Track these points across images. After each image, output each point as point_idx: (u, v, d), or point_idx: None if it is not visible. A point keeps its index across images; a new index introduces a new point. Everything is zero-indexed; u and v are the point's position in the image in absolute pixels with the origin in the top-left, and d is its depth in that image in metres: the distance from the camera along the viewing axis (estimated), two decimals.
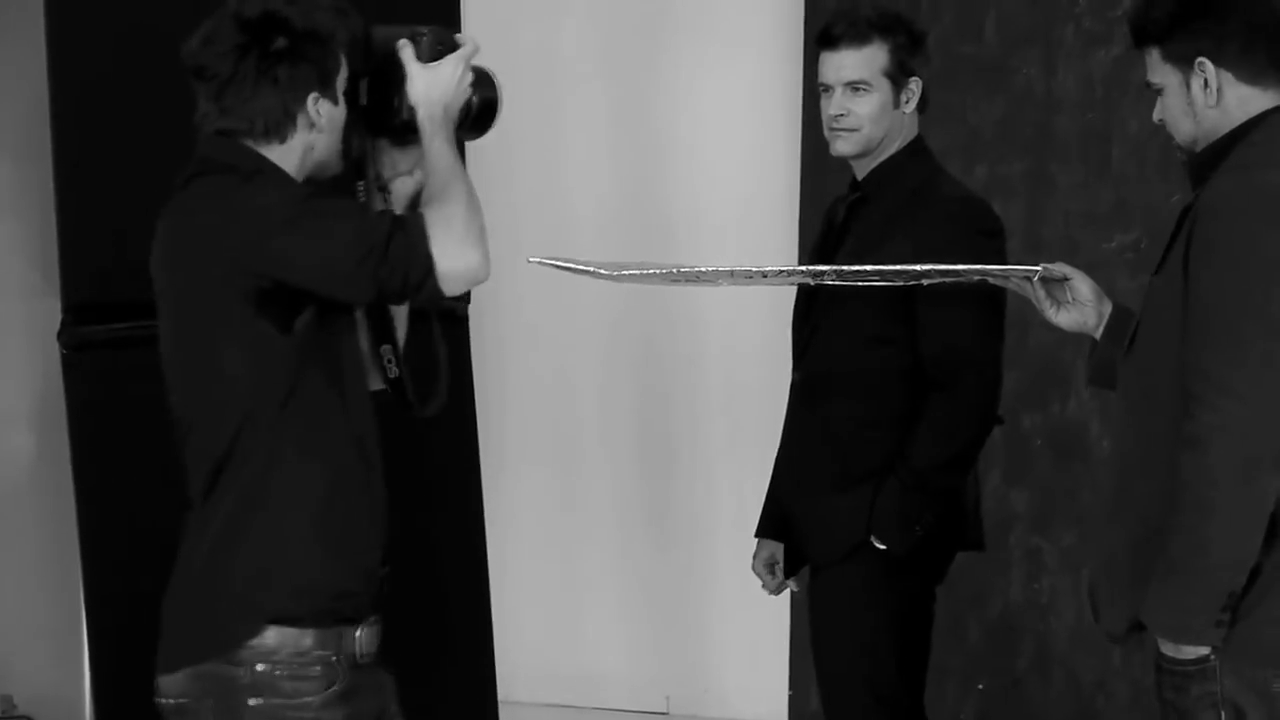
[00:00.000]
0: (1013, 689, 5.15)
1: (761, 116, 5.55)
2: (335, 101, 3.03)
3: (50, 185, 4.08)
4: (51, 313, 4.13)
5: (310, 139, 3.02)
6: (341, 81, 3.03)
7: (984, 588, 5.08)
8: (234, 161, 2.98)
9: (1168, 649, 2.97)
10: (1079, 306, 3.33)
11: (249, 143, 3.00)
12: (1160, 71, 3.09)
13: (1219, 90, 3.03)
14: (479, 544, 4.83)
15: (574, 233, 5.52)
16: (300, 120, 3.00)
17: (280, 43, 2.96)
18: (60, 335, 4.10)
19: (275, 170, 3.00)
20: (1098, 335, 3.32)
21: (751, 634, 5.50)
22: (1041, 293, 3.34)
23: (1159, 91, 3.11)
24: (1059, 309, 3.33)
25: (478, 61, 3.11)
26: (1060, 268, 3.34)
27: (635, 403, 5.68)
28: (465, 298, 4.76)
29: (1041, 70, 4.98)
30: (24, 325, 4.40)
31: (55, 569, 4.38)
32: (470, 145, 4.77)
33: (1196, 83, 3.04)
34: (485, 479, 4.89)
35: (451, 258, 2.90)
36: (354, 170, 3.13)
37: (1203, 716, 2.95)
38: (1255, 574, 2.90)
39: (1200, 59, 3.03)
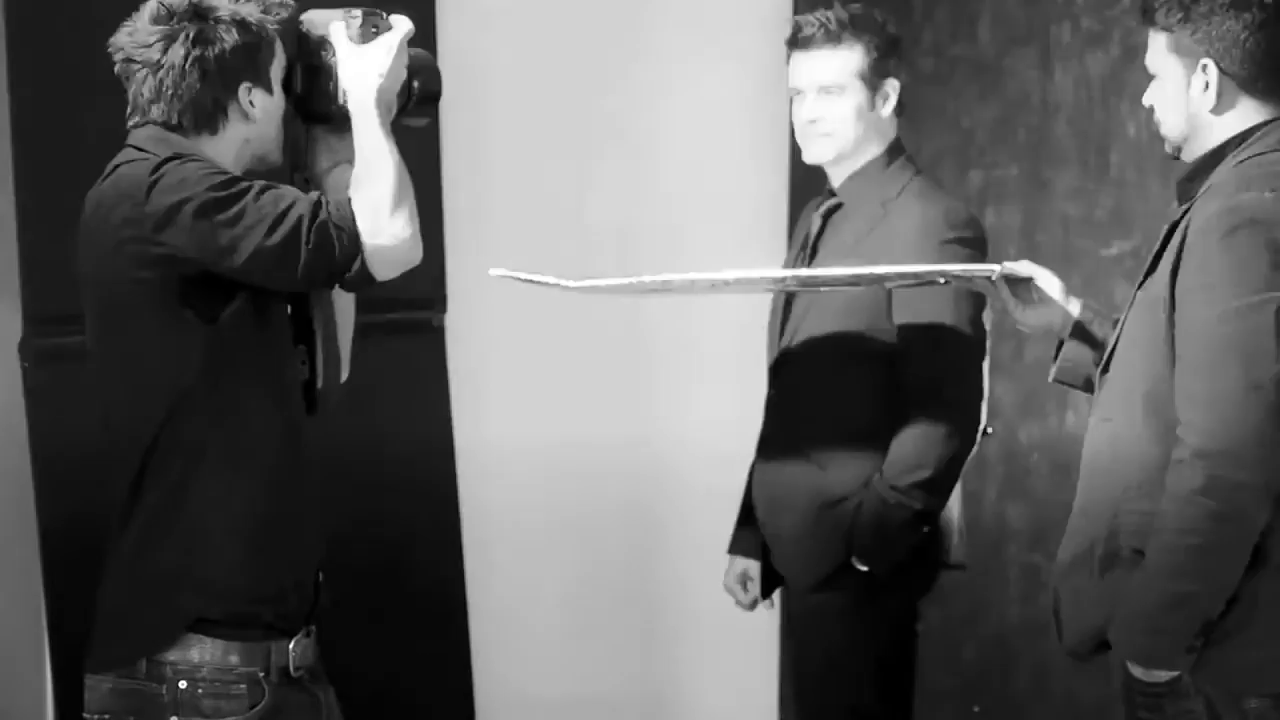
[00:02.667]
0: (1010, 711, 5.08)
1: (751, 123, 5.50)
2: (270, 91, 2.96)
3: (10, 192, 4.05)
4: (11, 324, 4.09)
5: (245, 130, 2.95)
6: (278, 70, 2.96)
7: (979, 606, 5.02)
8: (155, 150, 2.90)
9: (1137, 671, 2.95)
10: (1045, 305, 3.26)
11: (179, 135, 2.92)
12: (1162, 59, 3.03)
13: (1218, 95, 2.98)
14: (456, 567, 4.79)
15: (556, 242, 5.46)
16: (232, 111, 2.93)
17: (209, 31, 2.89)
18: (21, 347, 4.07)
19: (196, 155, 2.91)
20: (1065, 335, 3.27)
21: (738, 657, 5.44)
22: (1006, 293, 3.28)
23: (1155, 76, 3.06)
24: (1025, 309, 3.28)
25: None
26: (1023, 266, 3.28)
27: (620, 421, 5.62)
28: (441, 307, 4.73)
29: (1038, 72, 4.94)
30: None
31: (17, 585, 4.28)
32: (447, 154, 4.77)
33: (1198, 82, 2.99)
34: (462, 497, 4.83)
35: (380, 238, 2.84)
36: (292, 161, 3.07)
37: None
38: (1233, 600, 2.86)
39: (1205, 60, 2.98)
